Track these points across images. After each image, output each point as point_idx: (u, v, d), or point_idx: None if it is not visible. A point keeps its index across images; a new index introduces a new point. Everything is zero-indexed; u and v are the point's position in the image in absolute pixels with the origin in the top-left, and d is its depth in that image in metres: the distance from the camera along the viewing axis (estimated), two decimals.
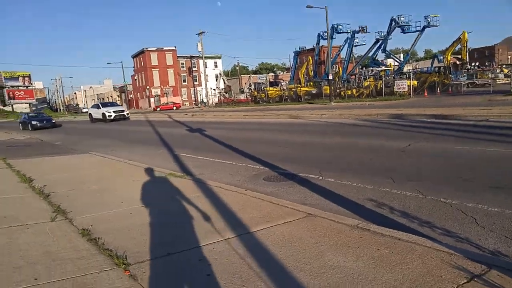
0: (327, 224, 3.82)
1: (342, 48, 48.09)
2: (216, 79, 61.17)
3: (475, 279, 2.58)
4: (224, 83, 57.58)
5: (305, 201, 5.01)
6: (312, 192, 5.49)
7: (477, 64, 47.99)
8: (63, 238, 3.79)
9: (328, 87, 35.22)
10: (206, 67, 53.34)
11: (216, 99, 56.56)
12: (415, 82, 33.29)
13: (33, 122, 26.87)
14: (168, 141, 13.50)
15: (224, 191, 5.37)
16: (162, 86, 65.45)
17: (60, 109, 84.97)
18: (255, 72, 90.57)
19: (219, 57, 72.41)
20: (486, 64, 52.31)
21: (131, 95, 76.09)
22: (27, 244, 3.64)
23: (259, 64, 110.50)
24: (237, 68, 78.44)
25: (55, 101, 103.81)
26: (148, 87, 66.08)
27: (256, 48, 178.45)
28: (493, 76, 37.97)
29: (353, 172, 6.58)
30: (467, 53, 40.94)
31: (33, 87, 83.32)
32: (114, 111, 29.99)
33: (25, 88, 77.27)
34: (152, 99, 64.10)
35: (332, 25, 41.19)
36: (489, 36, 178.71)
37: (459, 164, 6.66)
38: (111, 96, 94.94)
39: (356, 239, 3.43)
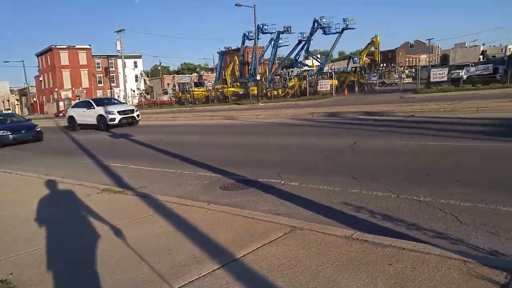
0: (319, 238, 3.33)
1: (267, 48, 49.10)
2: (136, 80, 57.53)
3: None
4: (146, 83, 54.39)
5: (277, 211, 4.47)
6: (280, 199, 4.98)
7: (384, 65, 53.67)
8: None
9: (255, 88, 35.43)
10: (125, 67, 49.54)
11: (136, 101, 53.09)
12: (336, 82, 35.44)
13: (2, 133, 15.11)
14: (91, 150, 11.76)
15: (181, 207, 4.52)
16: (73, 88, 59.04)
17: None
18: (177, 73, 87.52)
19: (139, 57, 68.53)
20: (392, 65, 59.05)
21: (34, 99, 67.17)
22: None
23: (181, 65, 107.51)
24: (159, 68, 74.87)
25: None
26: (56, 89, 58.94)
27: (178, 48, 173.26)
28: (398, 76, 42.68)
29: (312, 173, 6.26)
30: (379, 55, 45.34)
31: None
32: (119, 112, 18.43)
33: None
34: (61, 103, 57.16)
35: (258, 25, 41.61)
36: (390, 41, 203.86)
37: (411, 159, 6.82)
38: (8, 100, 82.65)
39: (359, 253, 3.01)
